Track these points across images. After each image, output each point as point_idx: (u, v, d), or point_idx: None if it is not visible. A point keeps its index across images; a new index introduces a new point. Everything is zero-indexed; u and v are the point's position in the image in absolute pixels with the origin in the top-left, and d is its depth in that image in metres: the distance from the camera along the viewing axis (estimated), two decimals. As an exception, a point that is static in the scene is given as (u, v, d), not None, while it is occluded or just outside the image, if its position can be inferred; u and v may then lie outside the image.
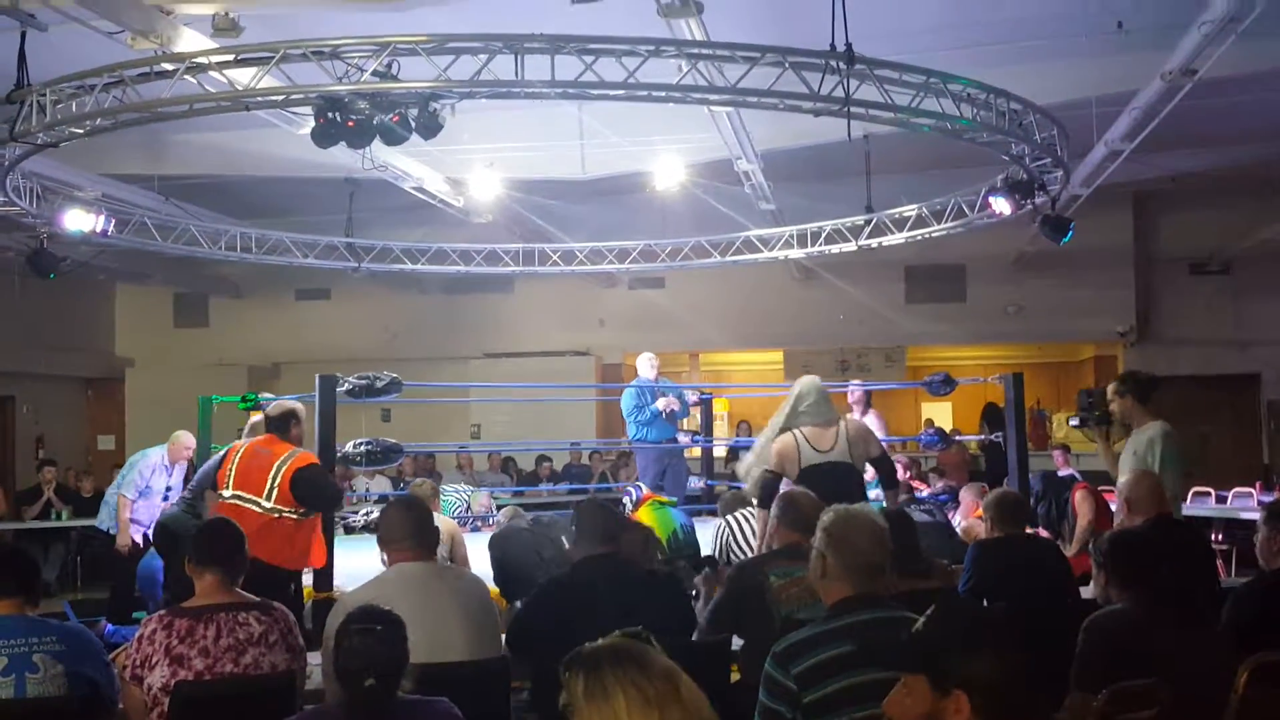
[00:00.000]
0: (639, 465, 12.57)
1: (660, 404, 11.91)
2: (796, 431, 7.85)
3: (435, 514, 8.18)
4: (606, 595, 5.05)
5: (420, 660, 3.91)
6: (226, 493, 7.60)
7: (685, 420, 13.13)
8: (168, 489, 11.01)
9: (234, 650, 4.40)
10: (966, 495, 10.62)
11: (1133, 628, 4.47)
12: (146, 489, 11.01)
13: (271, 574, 7.20)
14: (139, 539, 10.91)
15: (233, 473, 7.62)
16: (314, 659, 4.83)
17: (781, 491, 6.21)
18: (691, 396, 13.37)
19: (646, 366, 12.30)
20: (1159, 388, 7.58)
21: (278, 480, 7.38)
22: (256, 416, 8.80)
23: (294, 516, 7.45)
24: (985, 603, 6.12)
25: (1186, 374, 19.17)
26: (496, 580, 7.81)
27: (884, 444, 9.30)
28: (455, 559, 8.23)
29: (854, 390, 12.43)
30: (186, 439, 10.95)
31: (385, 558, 4.98)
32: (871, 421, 11.91)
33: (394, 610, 3.79)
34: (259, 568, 7.08)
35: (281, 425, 7.78)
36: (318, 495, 7.58)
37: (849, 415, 11.49)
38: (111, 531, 11.16)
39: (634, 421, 12.06)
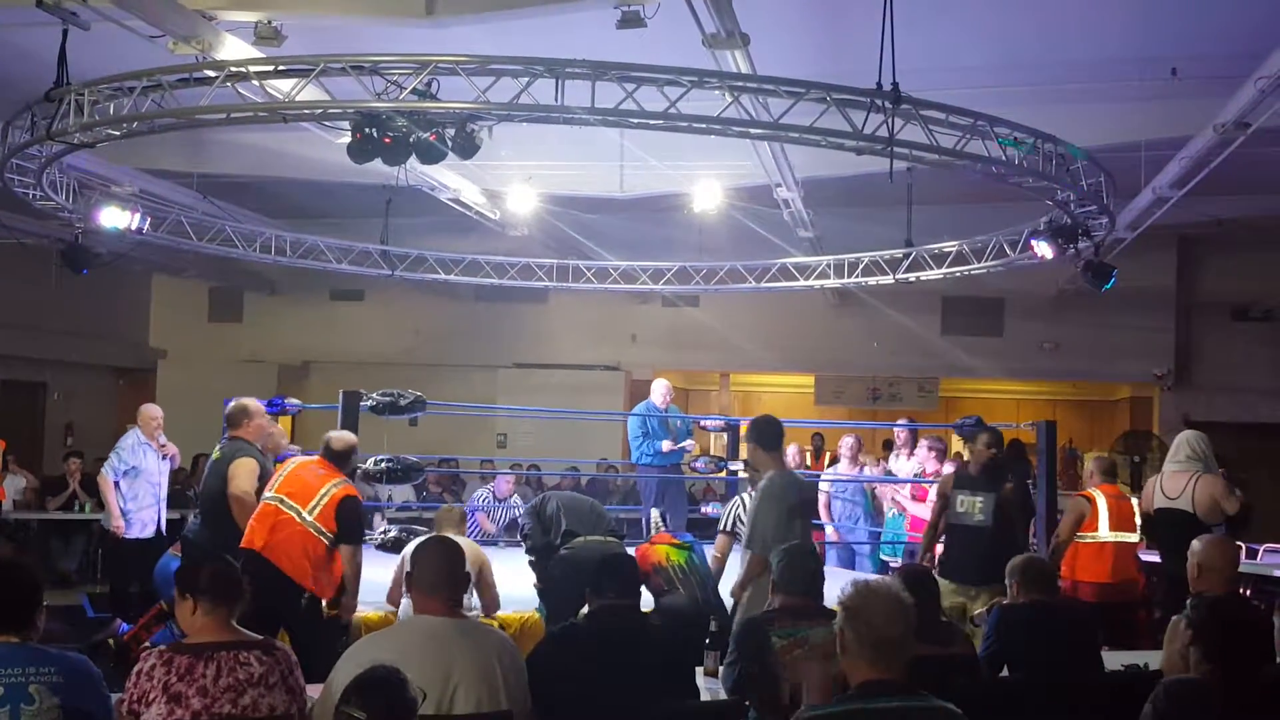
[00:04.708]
0: (639, 488, 12.85)
1: (664, 447, 12.23)
2: (1158, 475, 8.44)
3: (469, 543, 8.23)
4: (615, 650, 4.99)
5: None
6: (269, 493, 7.68)
7: (696, 446, 13.12)
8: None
9: (233, 691, 4.29)
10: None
11: (1209, 706, 4.33)
12: (133, 470, 10.89)
13: (285, 584, 7.31)
14: (145, 525, 10.95)
15: (281, 478, 7.72)
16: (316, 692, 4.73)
17: (784, 550, 6.04)
18: (715, 423, 13.38)
19: (658, 394, 12.48)
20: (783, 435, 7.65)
21: (325, 499, 7.51)
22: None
23: (325, 540, 7.50)
24: (1006, 670, 5.98)
25: (1223, 420, 18.92)
26: None
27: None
28: (482, 583, 8.15)
29: (900, 432, 12.32)
30: (152, 410, 11.08)
31: (407, 597, 4.88)
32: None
33: (408, 670, 3.71)
34: (275, 575, 7.22)
35: (343, 460, 7.91)
36: (355, 525, 7.69)
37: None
38: (105, 526, 11.20)
39: (636, 447, 12.41)
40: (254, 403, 8.63)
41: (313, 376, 21.07)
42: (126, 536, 10.93)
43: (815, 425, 18.80)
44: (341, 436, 8.15)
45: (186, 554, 8.50)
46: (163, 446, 11.00)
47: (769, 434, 7.50)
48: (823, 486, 12.42)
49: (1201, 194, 12.08)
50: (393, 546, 9.42)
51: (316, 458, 7.94)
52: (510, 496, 13.45)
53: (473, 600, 8.04)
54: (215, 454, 8.46)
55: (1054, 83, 11.18)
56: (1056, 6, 10.12)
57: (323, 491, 7.53)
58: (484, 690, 4.39)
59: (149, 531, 10.96)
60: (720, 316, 19.46)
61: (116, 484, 10.88)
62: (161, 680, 4.25)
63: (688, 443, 12.53)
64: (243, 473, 8.02)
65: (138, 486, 10.90)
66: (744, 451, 9.96)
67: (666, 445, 12.21)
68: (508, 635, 4.99)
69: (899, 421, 13.26)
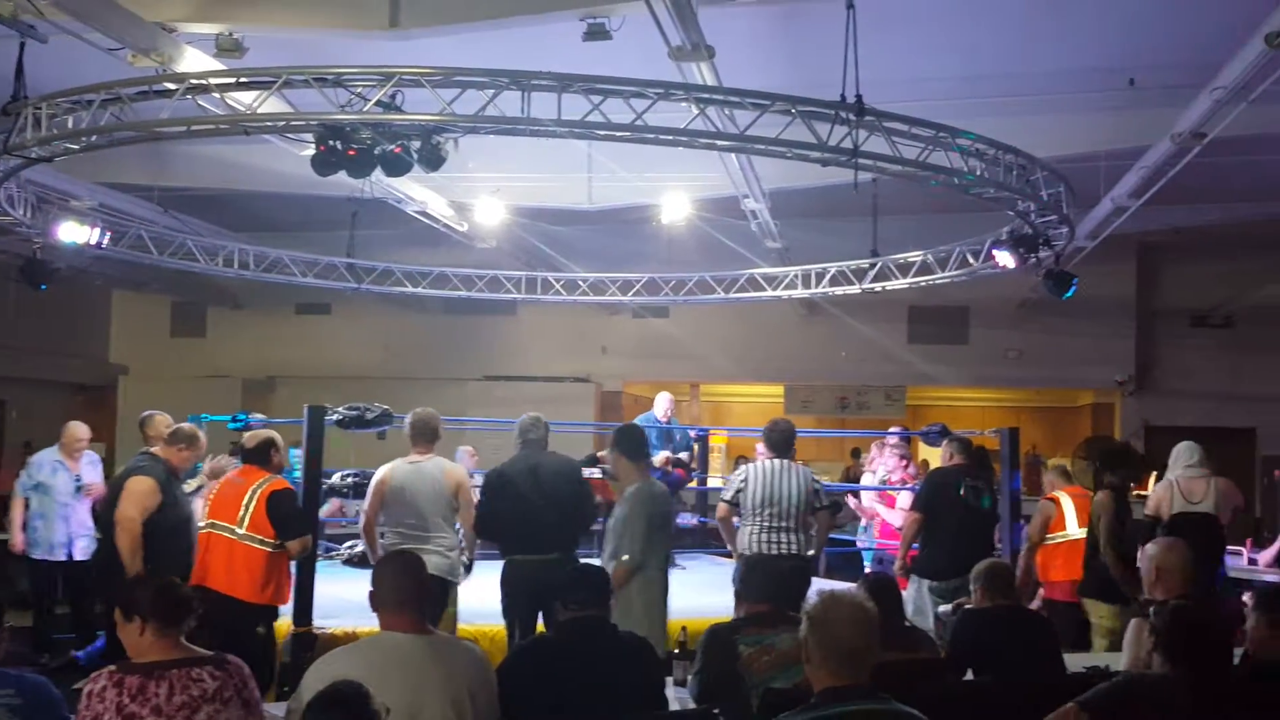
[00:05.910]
0: None
1: (657, 460, 11.71)
2: (1174, 481, 8.59)
3: (446, 463, 8.29)
4: (584, 661, 4.96)
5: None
6: (203, 522, 7.56)
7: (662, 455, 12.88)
8: (77, 490, 10.39)
9: (187, 708, 4.22)
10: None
11: (1165, 701, 4.38)
12: (40, 487, 10.35)
13: (228, 606, 7.09)
14: (53, 547, 10.32)
15: (209, 503, 7.59)
16: (278, 710, 4.71)
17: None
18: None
19: (660, 407, 12.32)
20: (644, 446, 7.61)
21: (252, 504, 7.34)
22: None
23: (266, 548, 7.35)
24: (970, 674, 6.00)
25: (1184, 425, 19.04)
26: None
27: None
28: (461, 501, 8.10)
29: (891, 437, 12.40)
30: (77, 430, 10.62)
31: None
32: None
33: (373, 689, 3.65)
34: (215, 600, 6.89)
35: (260, 455, 7.72)
36: (291, 518, 7.48)
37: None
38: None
39: None
40: (161, 416, 8.61)
41: (279, 391, 20.93)
42: (33, 558, 10.36)
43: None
44: (254, 434, 7.97)
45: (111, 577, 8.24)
46: (88, 487, 10.38)
47: (633, 444, 7.45)
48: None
49: (1160, 203, 12.22)
50: (359, 562, 9.27)
51: (240, 466, 7.80)
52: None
53: (456, 524, 8.11)
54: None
55: (1014, 94, 11.26)
56: (1016, 19, 10.21)
57: (247, 498, 7.36)
58: (451, 708, 4.36)
59: (59, 554, 10.34)
60: (689, 327, 19.52)
61: (27, 501, 10.38)
62: (114, 702, 4.17)
63: (659, 455, 12.33)
64: (128, 498, 7.71)
65: (45, 505, 10.34)
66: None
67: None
68: (479, 649, 4.93)
69: (891, 430, 13.23)
